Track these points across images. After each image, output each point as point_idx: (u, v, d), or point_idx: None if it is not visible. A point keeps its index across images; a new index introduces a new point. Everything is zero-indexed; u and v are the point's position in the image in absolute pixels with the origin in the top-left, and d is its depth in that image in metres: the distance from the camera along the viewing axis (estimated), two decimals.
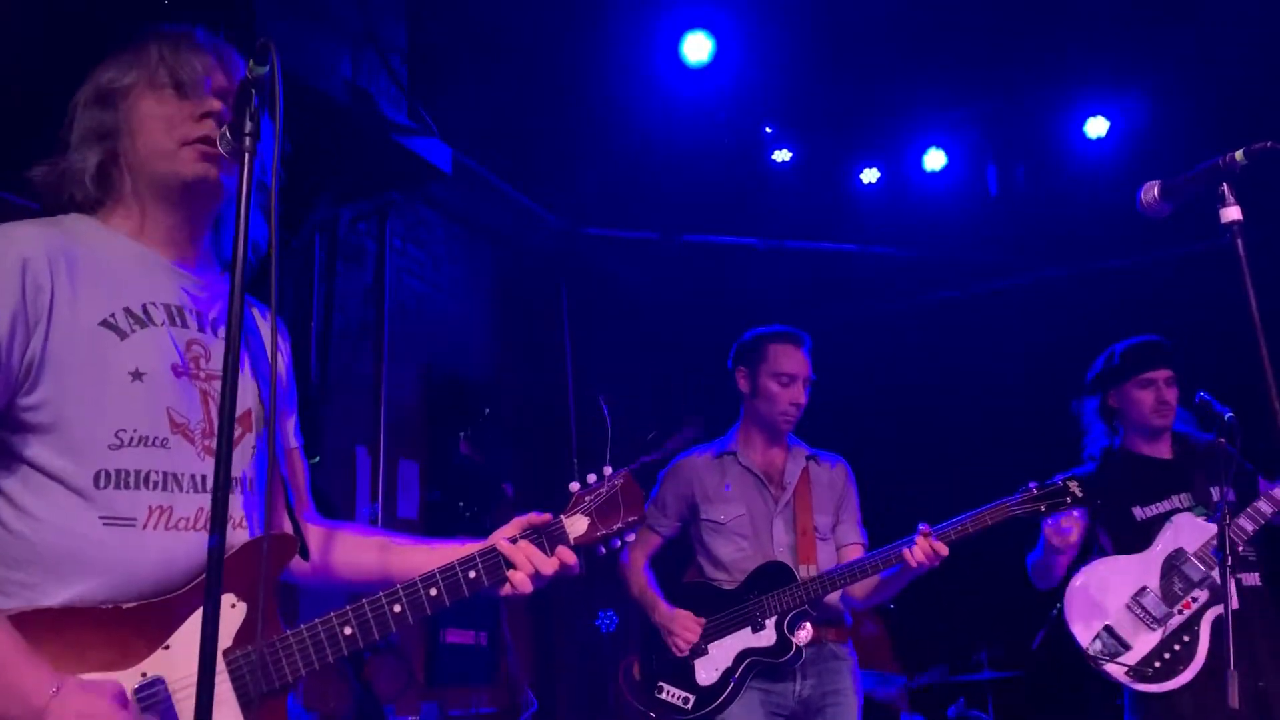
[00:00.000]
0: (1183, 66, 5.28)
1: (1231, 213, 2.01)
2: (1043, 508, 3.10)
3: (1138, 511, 3.46)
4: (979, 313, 7.07)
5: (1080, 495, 3.08)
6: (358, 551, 1.96)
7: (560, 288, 6.55)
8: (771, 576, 3.29)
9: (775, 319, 6.60)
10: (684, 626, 3.26)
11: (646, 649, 3.36)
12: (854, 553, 3.42)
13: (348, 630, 1.72)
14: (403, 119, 4.09)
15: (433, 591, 1.78)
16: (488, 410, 5.36)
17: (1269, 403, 1.89)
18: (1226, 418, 3.19)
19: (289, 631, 1.69)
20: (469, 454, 5.24)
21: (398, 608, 1.75)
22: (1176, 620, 3.29)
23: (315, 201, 4.07)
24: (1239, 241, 1.97)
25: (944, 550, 3.04)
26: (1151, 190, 2.24)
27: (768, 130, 6.07)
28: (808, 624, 3.25)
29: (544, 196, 6.09)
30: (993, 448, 6.50)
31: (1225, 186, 2.02)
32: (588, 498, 1.92)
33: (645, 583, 3.46)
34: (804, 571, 3.31)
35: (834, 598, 3.32)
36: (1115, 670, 3.31)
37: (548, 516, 1.90)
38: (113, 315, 1.65)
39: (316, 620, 1.71)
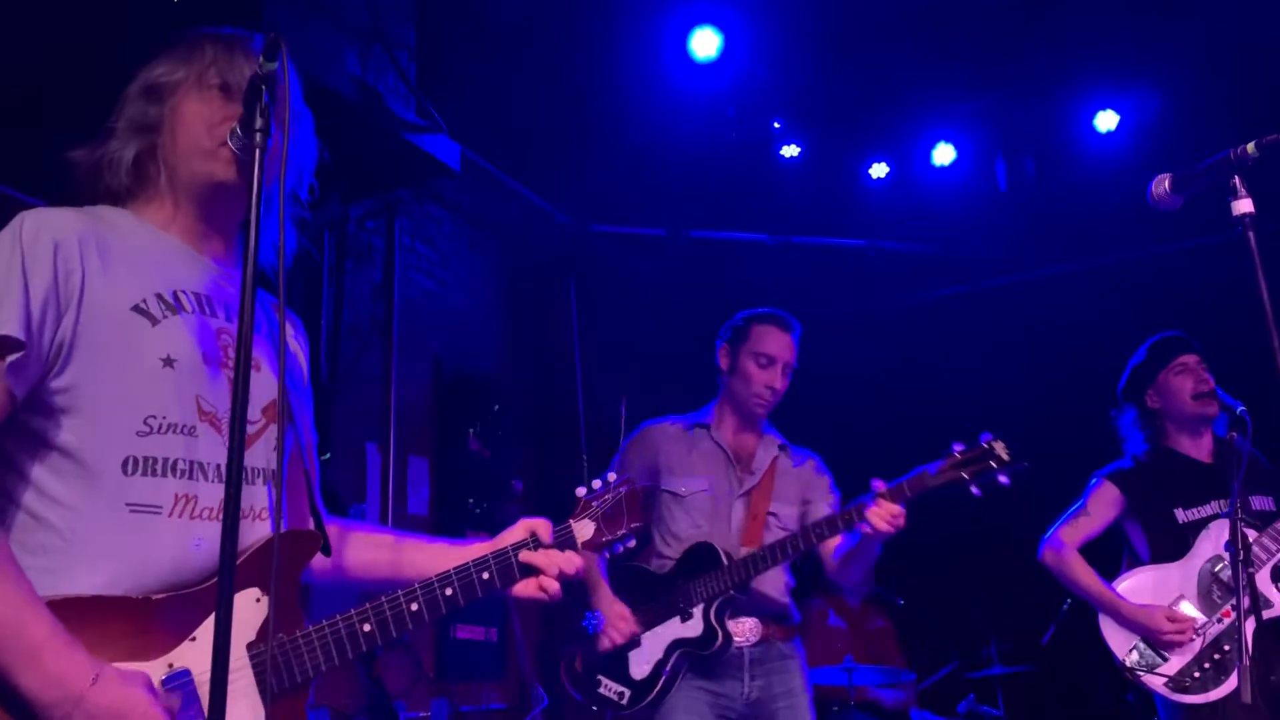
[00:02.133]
0: (1193, 59, 5.26)
1: (1243, 205, 2.00)
2: (964, 474, 2.82)
3: (1180, 513, 3.37)
4: (989, 308, 7.04)
5: (1007, 459, 2.81)
6: (370, 550, 1.96)
7: (569, 284, 6.55)
8: (699, 561, 3.12)
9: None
10: (617, 627, 3.07)
11: (587, 640, 3.18)
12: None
13: (367, 627, 1.73)
14: (411, 116, 4.09)
15: (448, 591, 1.80)
16: (497, 407, 5.37)
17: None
18: (1238, 411, 3.17)
19: (310, 627, 1.70)
20: (478, 450, 5.25)
21: (415, 606, 1.77)
22: (1216, 629, 3.22)
23: (324, 199, 4.07)
24: (1251, 234, 1.96)
25: (899, 510, 2.81)
26: (1162, 183, 2.23)
27: (776, 125, 6.07)
28: (754, 622, 3.11)
29: (553, 193, 6.10)
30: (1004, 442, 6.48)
31: (1237, 179, 2.01)
32: (594, 503, 1.95)
33: (592, 562, 3.17)
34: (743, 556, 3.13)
35: (777, 590, 3.17)
36: (1154, 682, 3.22)
37: (551, 524, 1.92)
38: (144, 301, 1.66)
39: (337, 616, 1.72)
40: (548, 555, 1.87)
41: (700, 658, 3.02)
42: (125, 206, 1.77)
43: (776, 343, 3.31)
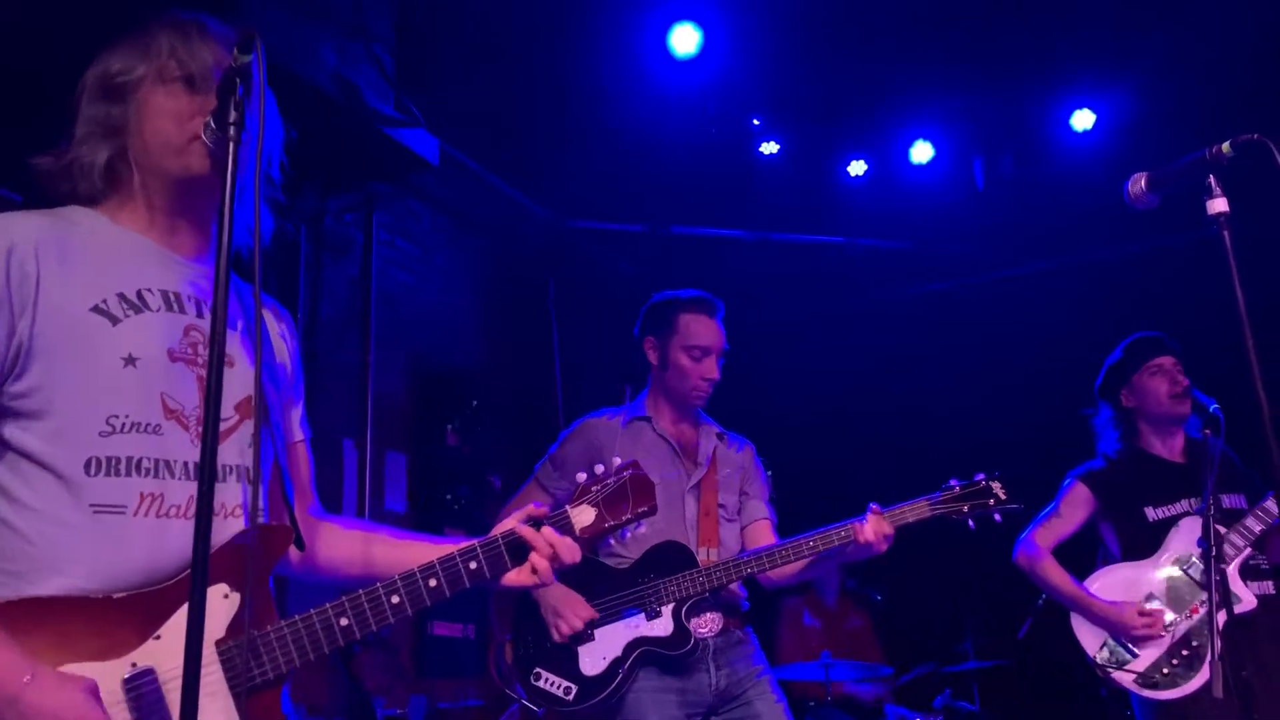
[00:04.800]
0: (1169, 59, 5.30)
1: (1218, 204, 2.01)
2: (965, 507, 2.89)
3: (1150, 512, 3.41)
4: (966, 305, 7.09)
5: (1004, 498, 2.88)
6: (352, 545, 1.94)
7: (548, 279, 6.54)
8: (670, 559, 2.99)
9: (763, 311, 6.64)
10: (574, 613, 2.92)
11: (522, 629, 3.01)
12: (763, 528, 3.21)
13: (344, 621, 1.70)
14: (389, 110, 4.08)
15: (432, 582, 1.76)
16: (475, 402, 5.35)
17: (1254, 394, 1.90)
18: (1211, 409, 3.21)
19: (284, 622, 1.68)
20: (457, 446, 5.23)
21: (396, 599, 1.74)
22: (1184, 625, 3.26)
23: (301, 193, 4.05)
24: (1226, 233, 1.98)
25: (890, 530, 2.80)
26: (1139, 182, 2.25)
27: (755, 122, 6.07)
28: (716, 614, 3.04)
29: (532, 188, 6.08)
30: (980, 439, 6.53)
31: (1212, 178, 2.02)
32: (594, 488, 1.89)
33: None
34: (704, 555, 3.04)
35: (736, 584, 3.08)
36: (1123, 678, 3.27)
37: (548, 511, 1.87)
38: (104, 301, 1.64)
39: (312, 611, 1.70)
40: (544, 534, 1.81)
41: (664, 657, 2.94)
42: (97, 207, 1.74)
43: (707, 333, 3.17)
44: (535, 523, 1.84)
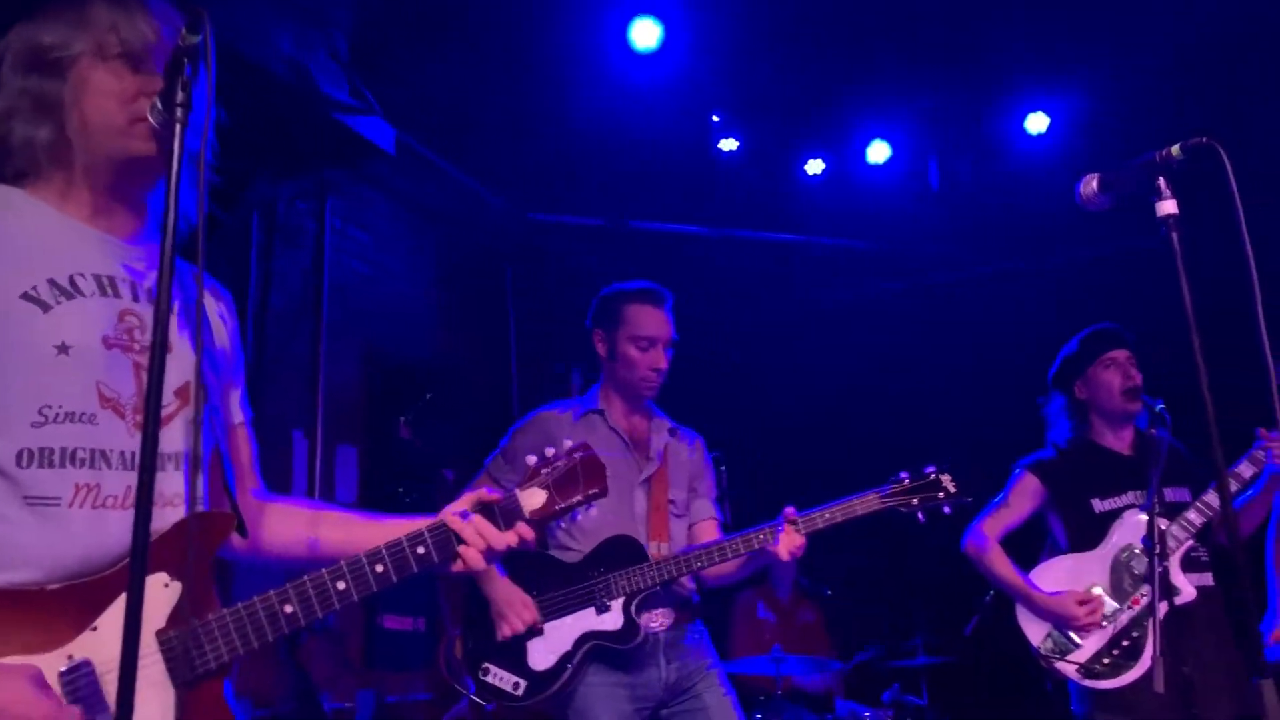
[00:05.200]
0: (1122, 63, 5.37)
1: (1167, 206, 2.04)
2: (915, 500, 2.93)
3: (1097, 503, 3.45)
4: (921, 305, 7.16)
5: (953, 490, 2.92)
6: (300, 527, 1.90)
7: (505, 272, 6.50)
8: (620, 553, 2.98)
9: (721, 308, 6.65)
10: (518, 613, 2.90)
11: (472, 625, 2.99)
12: (709, 528, 3.22)
13: (288, 608, 1.67)
14: (344, 97, 4.03)
15: (379, 568, 1.73)
16: (429, 395, 5.29)
17: (1200, 393, 1.93)
18: (1157, 408, 3.26)
19: (226, 610, 1.65)
20: (409, 439, 5.18)
21: (342, 584, 1.70)
22: (1126, 616, 3.31)
23: (252, 179, 3.98)
24: (1174, 235, 2.01)
25: (801, 542, 2.84)
26: (1090, 183, 2.27)
27: (715, 119, 6.07)
28: (666, 609, 3.03)
29: (490, 180, 6.03)
30: (932, 436, 6.60)
31: (1162, 180, 2.05)
32: (545, 470, 1.87)
33: None
34: (654, 549, 3.04)
35: (685, 577, 3.07)
36: (1066, 668, 3.31)
37: (499, 495, 1.85)
38: (34, 288, 1.59)
39: (255, 598, 1.67)
40: (475, 525, 1.78)
41: (614, 651, 2.94)
42: (24, 187, 1.68)
43: (654, 323, 3.16)
44: (487, 508, 1.82)
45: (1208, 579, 3.35)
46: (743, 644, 5.80)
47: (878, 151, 6.28)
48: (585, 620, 2.95)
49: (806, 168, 6.38)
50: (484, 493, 1.84)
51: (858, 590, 6.35)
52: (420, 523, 1.80)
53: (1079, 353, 3.62)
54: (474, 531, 1.78)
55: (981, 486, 3.05)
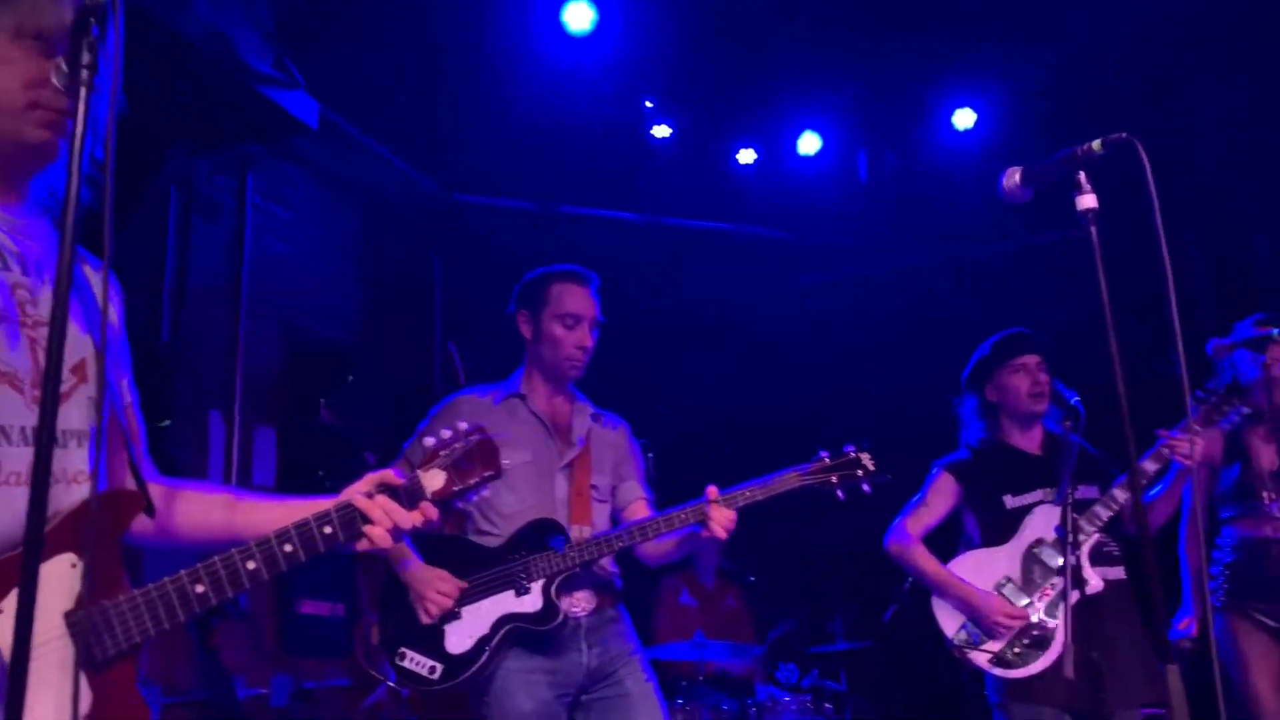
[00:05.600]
0: (1047, 61, 5.49)
1: (1087, 200, 2.08)
2: (834, 478, 2.94)
3: (1008, 500, 3.55)
4: (847, 296, 7.24)
5: (872, 469, 2.95)
6: (206, 509, 1.86)
7: (432, 254, 6.41)
8: (541, 535, 2.98)
9: (651, 295, 6.63)
10: (440, 590, 2.89)
11: (388, 610, 2.97)
12: (640, 507, 3.21)
13: (199, 588, 1.64)
14: (268, 69, 3.92)
15: (287, 548, 1.71)
16: (351, 377, 5.20)
17: (1115, 385, 1.97)
18: (1073, 401, 3.34)
19: (136, 591, 1.62)
20: (330, 422, 5.08)
21: (251, 564, 1.68)
22: (1036, 607, 3.41)
23: (169, 150, 3.85)
24: (1093, 228, 2.05)
25: (733, 515, 2.84)
26: (1013, 176, 2.32)
27: (648, 105, 6.06)
28: (587, 592, 3.03)
29: (418, 160, 5.94)
30: (857, 424, 6.68)
31: (1082, 175, 2.09)
32: (443, 452, 1.88)
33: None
34: (576, 532, 3.03)
35: (606, 561, 3.08)
36: (979, 658, 3.39)
37: (403, 477, 1.83)
38: None
39: (166, 579, 1.64)
40: (381, 505, 1.78)
41: (534, 634, 2.92)
42: None
43: (579, 300, 3.16)
44: (391, 489, 1.81)
45: (1118, 572, 3.45)
46: (666, 629, 5.82)
47: (808, 143, 6.33)
48: (504, 603, 2.92)
49: (738, 157, 6.41)
50: (388, 474, 1.83)
51: (779, 576, 6.42)
52: (327, 503, 1.78)
53: (990, 356, 3.72)
54: (381, 511, 1.77)
55: (901, 467, 3.09)
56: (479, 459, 1.88)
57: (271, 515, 1.80)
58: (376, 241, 6.05)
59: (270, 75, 3.77)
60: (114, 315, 1.83)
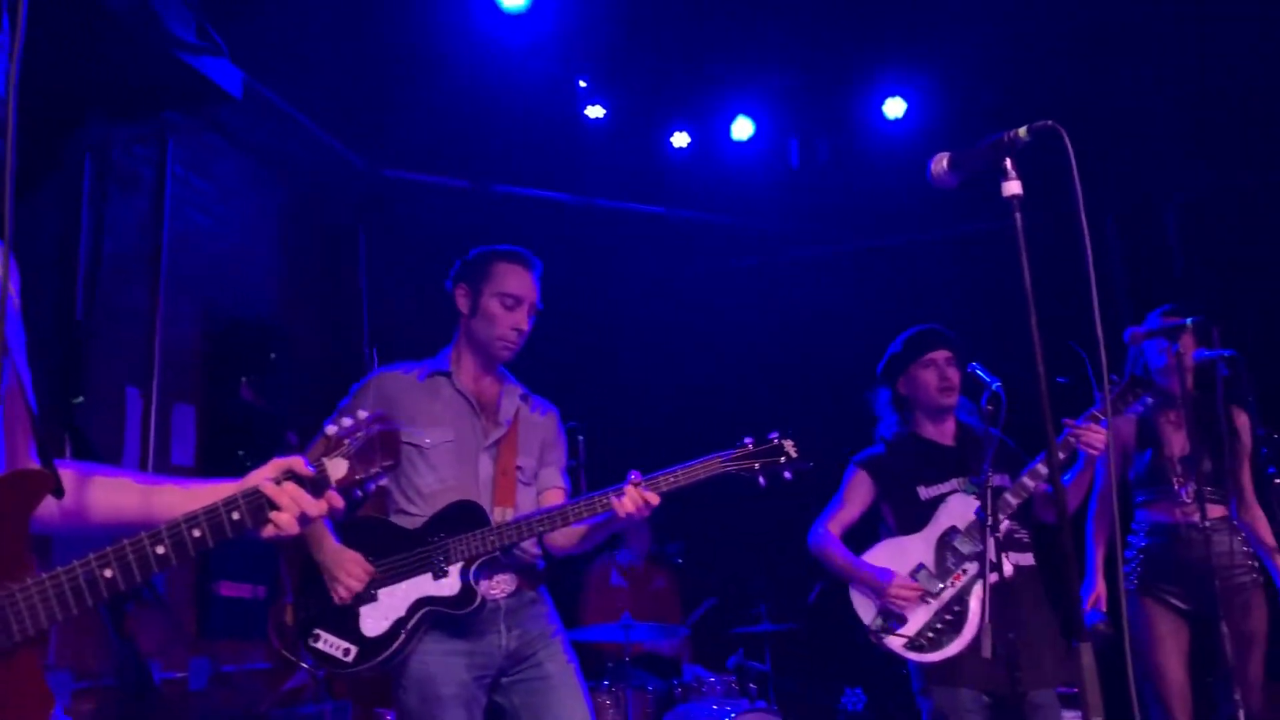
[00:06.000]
0: (978, 52, 5.57)
1: (1012, 187, 2.12)
2: (756, 465, 2.94)
3: (922, 491, 3.64)
4: (778, 281, 7.29)
5: (795, 455, 2.96)
6: (116, 493, 1.82)
7: (360, 231, 6.28)
8: (461, 517, 2.94)
9: (583, 277, 6.60)
10: (350, 572, 2.86)
11: (304, 591, 2.93)
12: (554, 496, 3.20)
13: (108, 573, 1.62)
14: (189, 36, 3.79)
15: (196, 532, 1.69)
16: (274, 355, 5.08)
17: (1035, 369, 2.00)
18: (994, 387, 3.40)
19: (44, 575, 1.58)
20: (252, 400, 4.96)
21: (161, 549, 1.66)
22: (948, 593, 3.49)
23: (83, 117, 3.71)
24: (1018, 215, 2.08)
25: (655, 500, 2.84)
26: (941, 162, 2.34)
27: (582, 84, 6.01)
28: (508, 575, 3.00)
29: (347, 134, 5.82)
30: (784, 410, 6.74)
31: (1008, 161, 2.12)
32: (346, 440, 1.87)
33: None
34: (499, 514, 3.00)
35: (529, 544, 3.07)
36: (894, 643, 3.48)
37: (310, 468, 1.82)
38: None
39: (75, 563, 1.61)
40: (289, 491, 1.77)
41: (451, 617, 2.89)
42: None
43: (521, 282, 3.13)
44: (297, 476, 1.80)
45: (1028, 558, 3.56)
46: (595, 611, 5.83)
47: (742, 128, 6.35)
48: (421, 585, 2.89)
49: (672, 140, 6.40)
50: (296, 461, 1.82)
51: (707, 557, 6.46)
52: (235, 487, 1.77)
53: (902, 352, 3.81)
54: (289, 498, 1.76)
55: (823, 464, 3.11)
56: (380, 448, 1.88)
57: (183, 499, 1.78)
58: (303, 216, 5.91)
59: (191, 42, 3.64)
60: (13, 289, 1.77)
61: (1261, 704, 3.81)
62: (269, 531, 1.77)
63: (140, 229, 4.71)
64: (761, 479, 2.95)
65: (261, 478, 1.78)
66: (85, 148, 4.33)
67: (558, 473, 3.26)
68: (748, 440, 2.98)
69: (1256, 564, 3.88)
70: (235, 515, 1.73)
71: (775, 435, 2.99)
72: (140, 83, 3.71)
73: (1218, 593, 3.37)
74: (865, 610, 3.57)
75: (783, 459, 2.95)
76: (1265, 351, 4.12)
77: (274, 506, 1.75)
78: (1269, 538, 3.90)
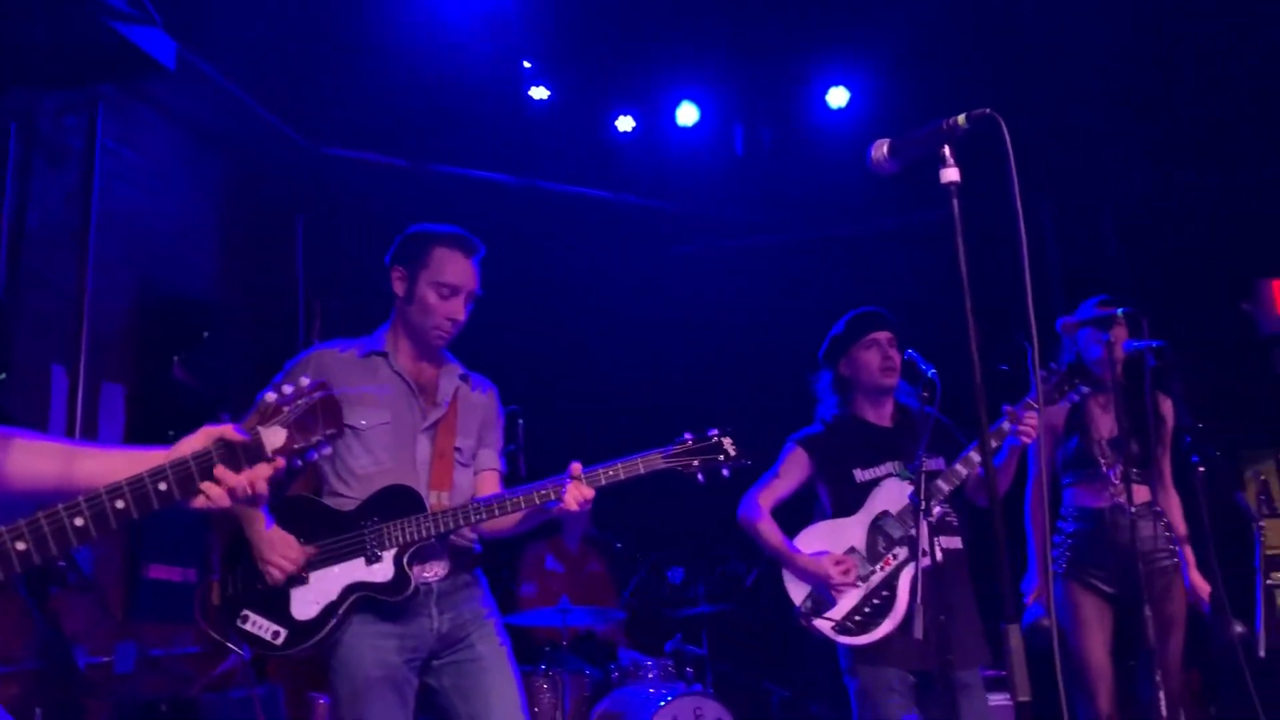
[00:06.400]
0: (920, 41, 5.63)
1: (950, 174, 2.14)
2: (695, 462, 2.94)
3: (859, 473, 3.66)
4: (724, 268, 7.31)
5: (734, 454, 2.96)
6: (37, 458, 1.75)
7: (297, 208, 6.17)
8: (396, 502, 2.88)
9: (523, 259, 6.56)
10: (284, 554, 2.79)
11: (231, 570, 2.86)
12: (490, 479, 3.15)
13: (20, 546, 1.55)
14: (121, 4, 3.68)
15: (119, 504, 1.62)
16: (207, 334, 4.97)
17: (970, 356, 2.03)
18: (929, 374, 3.45)
19: None
20: (184, 379, 4.85)
21: (79, 521, 1.58)
22: (878, 576, 3.53)
23: (7, 84, 3.58)
24: (955, 201, 2.10)
25: (591, 494, 2.84)
26: (881, 148, 2.37)
27: (527, 65, 5.96)
28: (442, 560, 2.96)
29: (285, 110, 5.69)
30: (721, 398, 6.78)
31: (947, 149, 2.15)
32: (285, 408, 1.81)
33: None
34: (434, 499, 2.94)
35: (466, 530, 3.02)
36: (822, 625, 3.52)
37: (244, 435, 1.76)
38: None
39: None
40: (217, 472, 1.70)
41: (382, 601, 2.85)
42: None
43: (460, 270, 3.04)
44: (229, 445, 1.73)
45: (956, 542, 3.61)
46: (532, 596, 5.81)
47: (686, 114, 6.35)
48: (354, 570, 2.84)
49: (617, 124, 6.38)
50: (228, 429, 1.75)
51: (645, 541, 6.47)
52: (164, 456, 1.70)
53: (844, 334, 3.83)
54: (221, 468, 1.70)
55: (763, 451, 3.12)
56: (321, 416, 1.82)
57: (109, 467, 1.70)
58: (238, 192, 5.79)
59: (122, 10, 3.53)
60: None
61: (1180, 686, 3.93)
62: (199, 503, 1.70)
63: (68, 202, 4.57)
64: (700, 476, 2.96)
65: (191, 448, 1.71)
66: (10, 116, 4.19)
67: (494, 454, 3.21)
68: (688, 436, 2.97)
69: (1177, 549, 3.99)
70: (162, 486, 1.66)
71: (715, 432, 2.98)
72: (68, 50, 3.59)
73: (1141, 577, 3.45)
74: (796, 592, 3.60)
75: (721, 457, 2.96)
76: (1195, 344, 4.22)
77: (205, 477, 1.69)
78: (1181, 525, 4.03)
